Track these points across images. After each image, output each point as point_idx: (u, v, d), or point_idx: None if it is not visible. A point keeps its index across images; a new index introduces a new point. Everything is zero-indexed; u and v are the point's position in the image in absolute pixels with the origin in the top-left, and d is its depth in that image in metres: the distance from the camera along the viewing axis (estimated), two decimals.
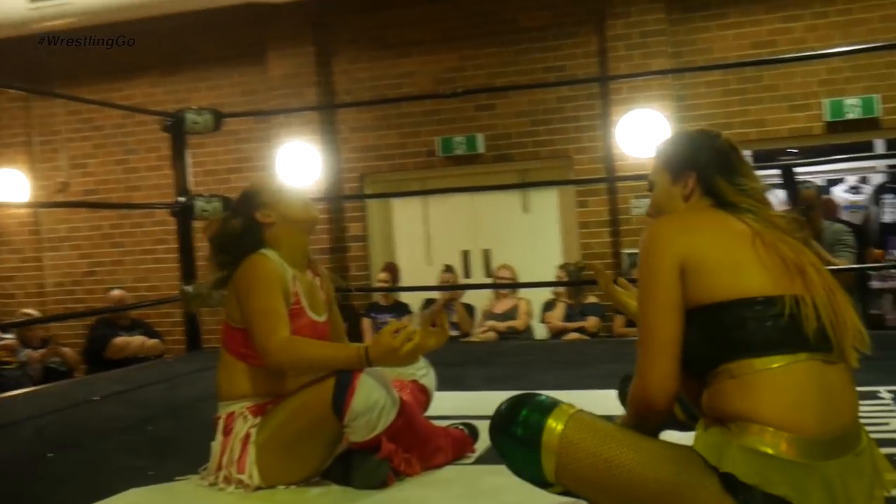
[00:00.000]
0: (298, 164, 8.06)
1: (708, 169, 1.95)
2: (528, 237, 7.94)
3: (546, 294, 7.15)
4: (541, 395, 1.87)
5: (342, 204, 8.27)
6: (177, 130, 5.26)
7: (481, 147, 7.89)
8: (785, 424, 1.67)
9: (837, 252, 4.79)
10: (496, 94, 7.82)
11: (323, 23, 8.26)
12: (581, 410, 1.83)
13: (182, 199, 5.12)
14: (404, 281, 7.91)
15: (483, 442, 2.70)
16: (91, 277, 8.83)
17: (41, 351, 6.50)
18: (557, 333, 6.84)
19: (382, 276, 7.54)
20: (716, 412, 1.77)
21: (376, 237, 8.41)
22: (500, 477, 1.97)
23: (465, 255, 8.19)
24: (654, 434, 1.85)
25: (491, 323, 7.09)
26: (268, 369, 2.49)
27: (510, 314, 7.13)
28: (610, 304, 6.94)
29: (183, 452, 2.90)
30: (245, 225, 2.61)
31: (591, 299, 6.99)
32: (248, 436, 2.49)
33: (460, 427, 2.75)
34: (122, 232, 8.80)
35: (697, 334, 1.78)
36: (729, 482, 1.69)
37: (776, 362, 1.71)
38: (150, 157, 8.45)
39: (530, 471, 1.82)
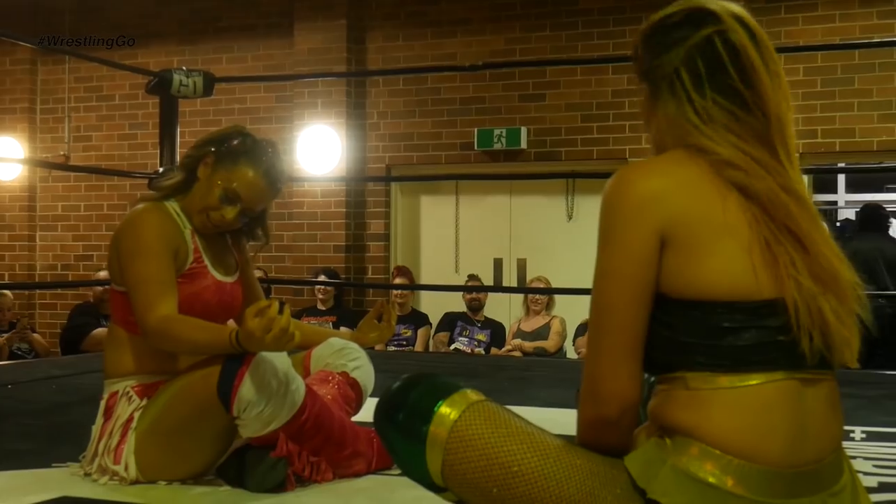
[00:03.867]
0: (319, 150, 7.98)
1: (677, 76, 1.56)
2: (572, 249, 7.70)
3: (583, 315, 6.90)
4: (442, 376, 1.65)
5: (364, 198, 8.15)
6: (163, 93, 5.18)
7: (524, 142, 7.71)
8: (738, 449, 1.45)
9: None
10: (545, 84, 7.66)
11: None
12: (489, 400, 1.60)
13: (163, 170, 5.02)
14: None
15: None
16: (85, 262, 8.84)
17: (6, 335, 6.48)
18: None
19: (396, 281, 7.39)
20: (659, 420, 1.55)
21: (400, 238, 8.27)
22: (419, 491, 1.79)
23: (498, 264, 8.00)
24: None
25: (517, 342, 6.88)
26: None
27: (541, 333, 6.92)
28: None
29: (81, 439, 2.78)
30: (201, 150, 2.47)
31: None
32: (130, 420, 2.35)
33: None
34: (123, 214, 8.79)
35: (657, 328, 1.53)
36: None
37: (746, 381, 1.47)
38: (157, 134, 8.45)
39: (415, 469, 1.59)
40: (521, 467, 1.52)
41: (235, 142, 2.45)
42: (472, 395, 1.59)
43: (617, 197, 1.51)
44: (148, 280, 2.31)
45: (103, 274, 7.34)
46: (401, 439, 1.59)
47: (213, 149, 2.45)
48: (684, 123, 1.56)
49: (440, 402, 1.56)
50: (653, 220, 1.48)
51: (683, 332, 1.50)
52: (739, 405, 1.47)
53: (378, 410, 1.63)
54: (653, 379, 1.68)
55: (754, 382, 1.47)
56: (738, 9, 1.59)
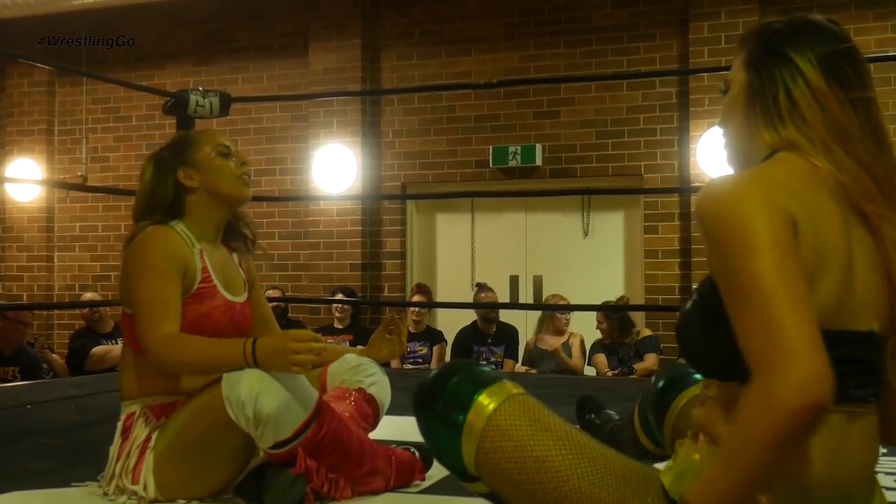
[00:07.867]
0: (334, 169, 8.01)
1: (803, 73, 1.48)
2: (588, 265, 7.72)
3: (596, 333, 6.87)
4: (484, 366, 1.67)
5: (379, 216, 8.17)
6: (180, 114, 5.20)
7: (539, 159, 7.72)
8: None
9: None
10: (560, 101, 7.67)
11: (373, 13, 8.24)
12: (528, 394, 1.60)
13: None
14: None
15: (437, 469, 2.51)
16: (103, 282, 8.88)
17: None
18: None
19: (414, 299, 7.38)
20: (702, 429, 1.50)
21: (416, 256, 8.28)
22: None
23: (514, 281, 8.00)
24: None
25: (522, 370, 6.76)
26: None
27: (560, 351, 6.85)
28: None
29: (100, 459, 2.78)
30: (165, 186, 2.47)
31: (645, 332, 6.71)
32: (147, 440, 2.35)
33: (411, 449, 2.55)
34: None
35: (729, 327, 1.37)
36: None
37: None
38: None
39: (449, 456, 1.60)
40: (555, 463, 1.52)
41: (175, 142, 2.56)
42: (512, 387, 1.60)
43: (730, 202, 1.36)
44: (151, 300, 2.31)
45: (89, 295, 7.45)
46: (438, 426, 1.60)
47: (175, 159, 2.49)
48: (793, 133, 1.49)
49: (479, 391, 1.57)
50: (780, 209, 1.35)
51: None
52: None
53: (416, 396, 1.64)
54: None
55: None
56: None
